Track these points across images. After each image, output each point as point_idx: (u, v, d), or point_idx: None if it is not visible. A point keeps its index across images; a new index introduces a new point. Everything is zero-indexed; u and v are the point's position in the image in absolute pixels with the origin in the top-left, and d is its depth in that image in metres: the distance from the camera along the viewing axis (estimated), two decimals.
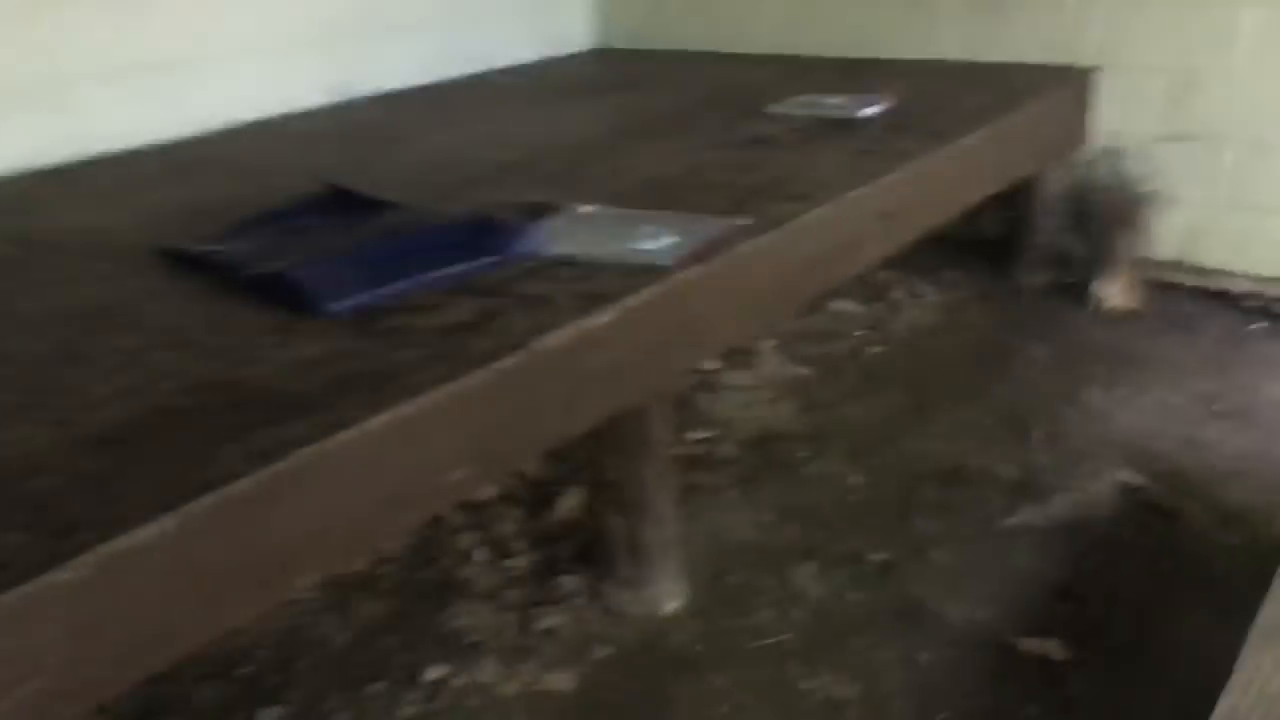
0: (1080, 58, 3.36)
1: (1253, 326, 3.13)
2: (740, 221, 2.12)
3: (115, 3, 2.93)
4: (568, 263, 1.98)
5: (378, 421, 1.45)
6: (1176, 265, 3.35)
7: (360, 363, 1.61)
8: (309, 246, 2.06)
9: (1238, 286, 3.25)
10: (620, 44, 4.28)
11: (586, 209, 2.26)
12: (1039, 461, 2.50)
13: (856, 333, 3.18)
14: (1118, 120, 3.33)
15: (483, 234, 2.04)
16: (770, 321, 2.78)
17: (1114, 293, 3.27)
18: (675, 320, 1.93)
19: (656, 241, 2.05)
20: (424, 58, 3.72)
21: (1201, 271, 3.32)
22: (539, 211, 2.23)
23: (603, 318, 1.78)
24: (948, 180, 2.71)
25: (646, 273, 1.92)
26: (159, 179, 2.72)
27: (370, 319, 1.76)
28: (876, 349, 3.10)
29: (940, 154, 2.63)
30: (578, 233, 2.12)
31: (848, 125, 2.89)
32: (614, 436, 2.03)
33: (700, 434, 2.67)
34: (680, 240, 2.04)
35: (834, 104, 3.03)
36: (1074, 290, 3.33)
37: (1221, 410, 2.70)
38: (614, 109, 3.30)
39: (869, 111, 2.95)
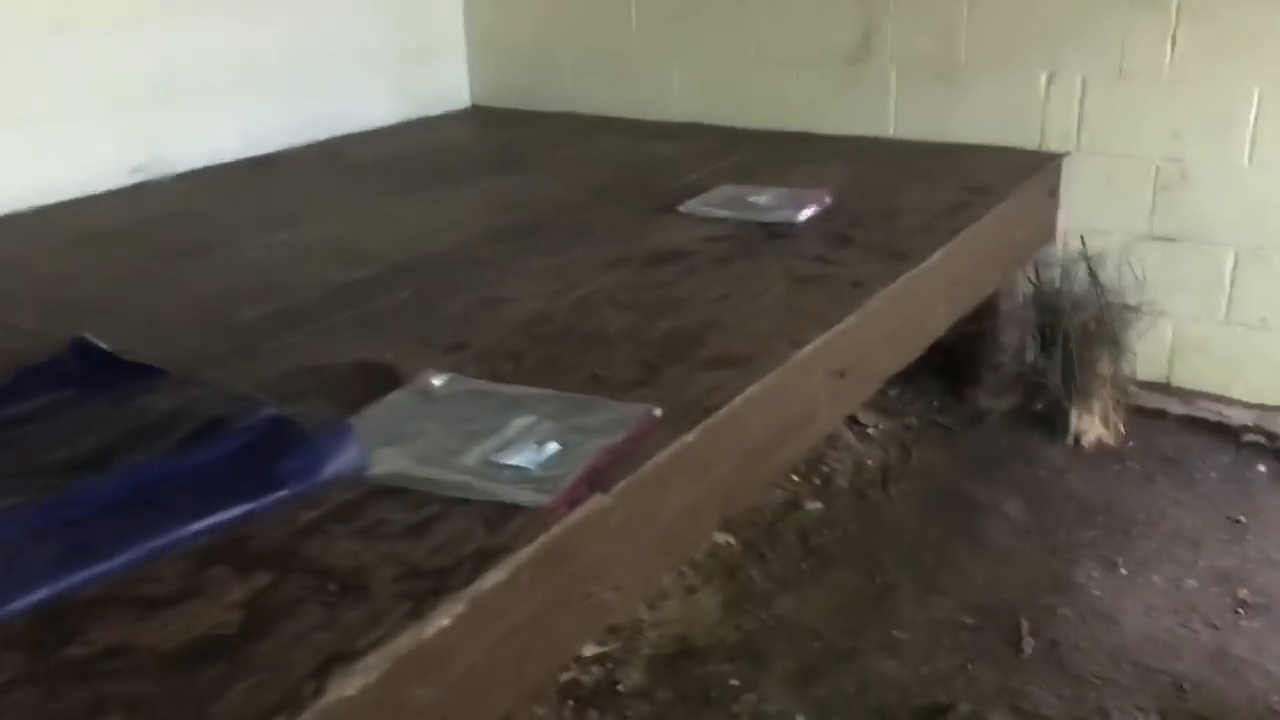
0: (1050, 141, 2.82)
1: (1260, 468, 2.62)
2: (653, 412, 1.49)
3: None
4: (402, 489, 1.33)
5: None
6: (1163, 389, 2.83)
7: None
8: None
9: (1235, 417, 2.73)
10: (502, 102, 3.63)
11: (438, 381, 1.60)
12: (1038, 695, 1.92)
13: (790, 482, 2.57)
14: (1094, 217, 2.80)
15: (268, 448, 1.37)
16: (688, 554, 2.14)
17: (1092, 423, 2.73)
18: (554, 594, 1.29)
19: (532, 453, 1.40)
20: (258, 122, 3.03)
21: (1192, 397, 2.79)
22: (377, 381, 1.59)
23: (441, 620, 1.13)
24: (912, 314, 2.13)
25: (514, 511, 1.28)
26: None
27: (55, 628, 1.09)
28: (816, 507, 2.50)
29: (903, 282, 2.04)
30: (420, 434, 1.46)
31: (781, 233, 2.28)
32: None
33: (595, 649, 2.03)
34: (563, 450, 1.40)
35: (763, 203, 2.42)
36: (1045, 419, 2.78)
37: (1249, 600, 2.16)
38: (488, 199, 2.65)
39: (806, 214, 2.35)
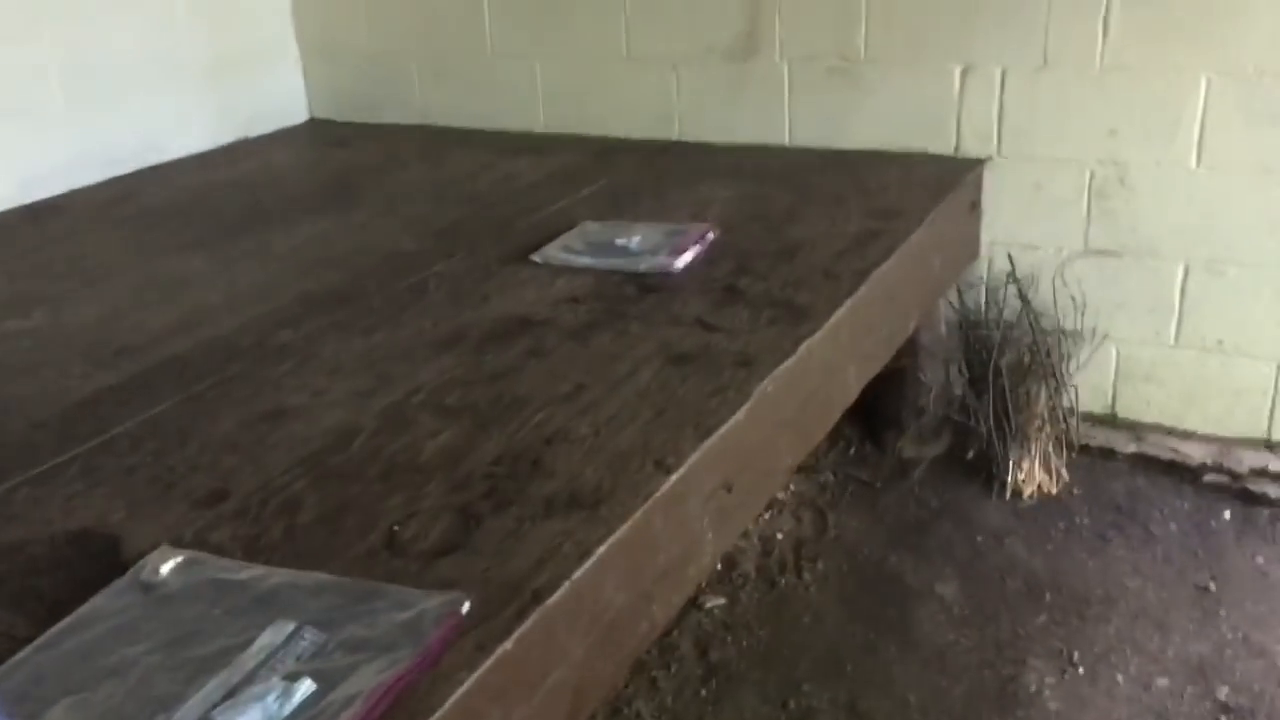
0: (967, 144, 2.44)
1: (1225, 514, 2.28)
2: (459, 610, 1.07)
3: None
4: None
5: None
6: (1109, 423, 2.47)
7: None
8: None
9: (1193, 453, 2.38)
10: (345, 115, 3.15)
11: (167, 567, 1.15)
12: None
13: None
14: (1022, 231, 2.42)
15: None
16: None
17: (1031, 471, 2.36)
18: None
19: (273, 702, 0.97)
20: (36, 161, 2.52)
21: (1143, 431, 2.44)
22: (90, 566, 1.14)
23: None
24: (815, 389, 1.72)
25: None
26: None
27: None
28: (716, 603, 2.10)
29: (802, 352, 1.63)
30: (118, 672, 1.02)
31: (654, 287, 1.86)
32: None
33: None
34: (318, 694, 0.97)
35: (633, 246, 1.99)
36: (977, 467, 2.42)
37: (1231, 703, 1.81)
38: (304, 251, 2.17)
39: (685, 260, 1.93)
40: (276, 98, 3.13)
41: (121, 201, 2.53)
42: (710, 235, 2.03)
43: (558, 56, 2.81)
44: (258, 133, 3.06)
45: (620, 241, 2.02)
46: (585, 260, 1.97)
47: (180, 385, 1.59)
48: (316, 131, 3.14)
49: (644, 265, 1.93)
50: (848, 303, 1.78)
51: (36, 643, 1.05)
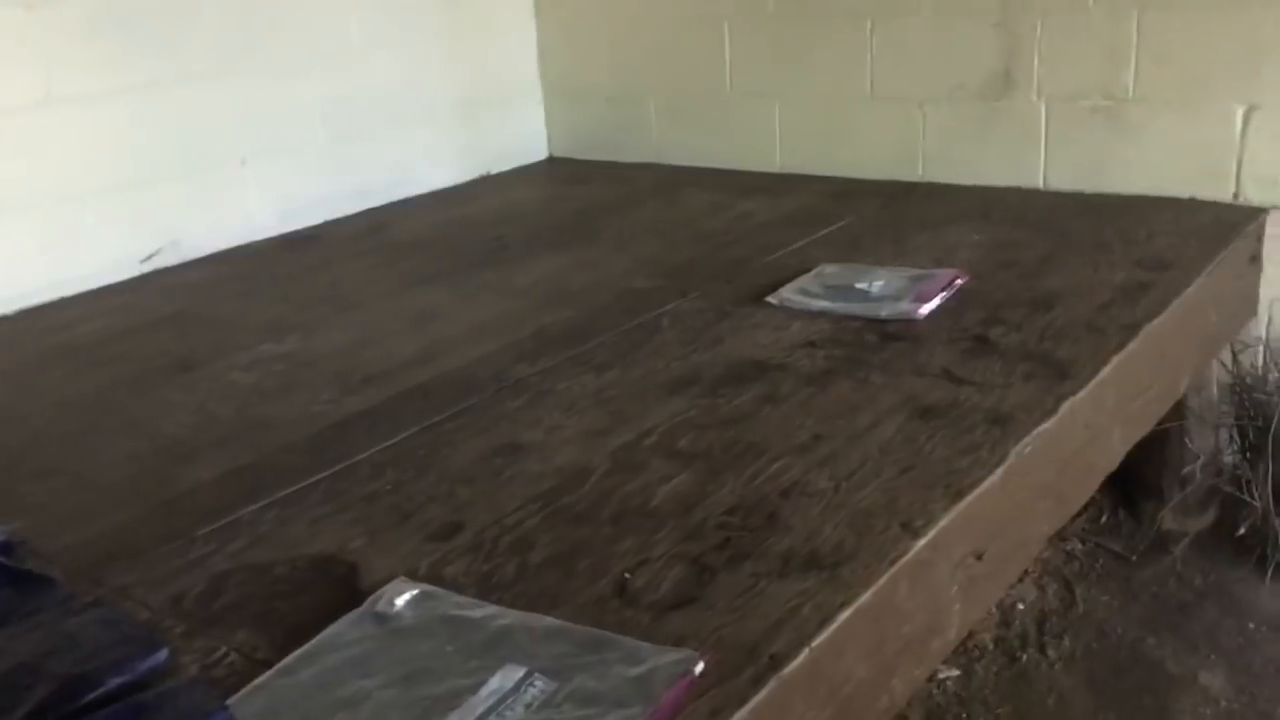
0: (1248, 191, 2.23)
1: None
2: (692, 670, 1.01)
3: None
4: None
5: None
6: None
7: None
8: None
9: None
10: (583, 153, 3.19)
11: (402, 600, 1.15)
12: None
13: None
14: None
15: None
16: None
17: None
18: None
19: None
20: (296, 194, 2.66)
21: None
22: (329, 594, 1.16)
23: None
24: (1076, 452, 1.58)
25: None
26: None
27: None
28: (950, 674, 1.96)
29: (1064, 412, 1.50)
30: (350, 705, 1.02)
31: (897, 334, 1.77)
32: None
33: None
34: None
35: (875, 291, 1.91)
36: (1249, 545, 2.18)
37: None
38: (543, 285, 2.18)
39: (930, 307, 1.83)
40: (519, 136, 3.21)
41: (373, 233, 2.63)
42: (959, 281, 1.92)
43: (798, 95, 2.75)
44: (500, 169, 3.15)
45: (860, 285, 1.93)
46: (823, 304, 1.90)
47: (421, 414, 1.61)
48: (555, 169, 3.20)
49: (886, 311, 1.84)
50: (1115, 359, 1.64)
51: (276, 668, 1.06)
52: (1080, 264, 2.02)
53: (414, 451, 1.50)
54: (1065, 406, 1.50)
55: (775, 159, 2.83)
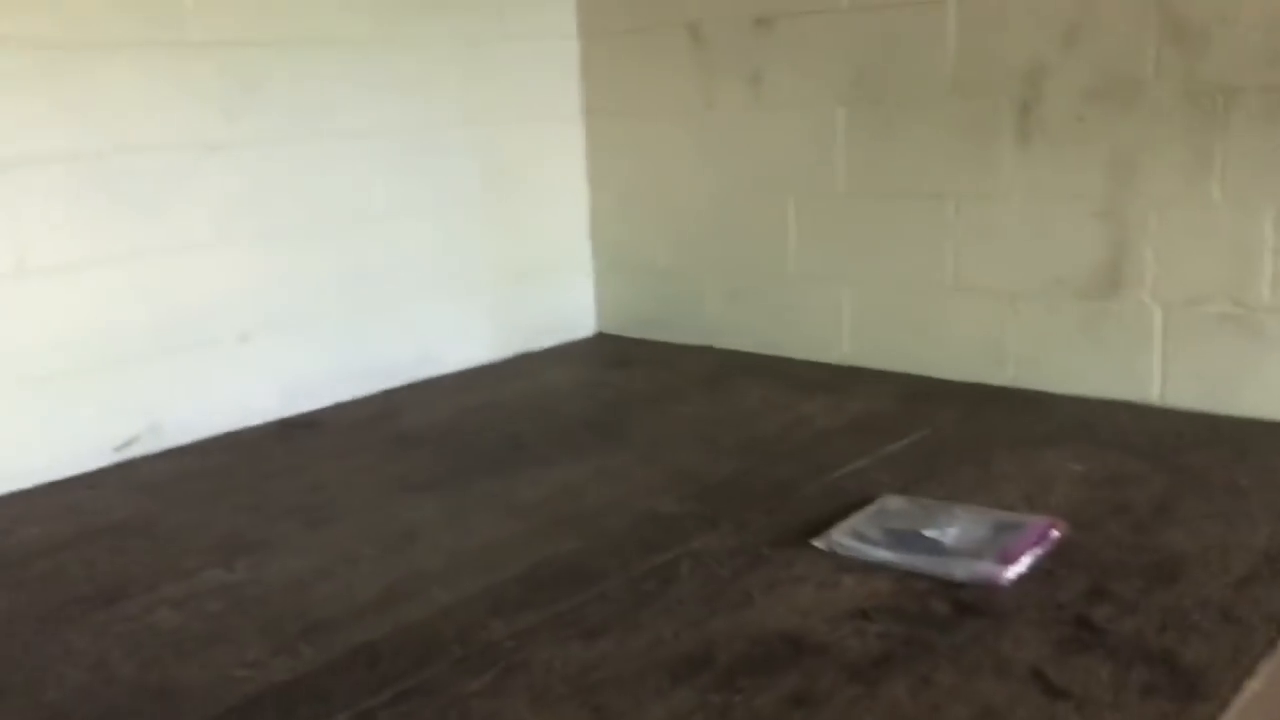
0: None
1: None
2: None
3: None
4: None
5: None
6: None
7: None
8: None
9: None
10: (634, 330, 2.91)
11: None
12: None
13: None
14: None
15: None
16: None
17: None
18: None
19: None
20: (297, 373, 2.40)
21: None
22: None
23: None
24: None
25: None
26: None
27: None
28: None
29: None
30: None
31: (974, 605, 1.39)
32: None
33: None
34: None
35: (946, 539, 1.53)
36: None
37: None
38: (547, 504, 1.84)
39: (1019, 569, 1.45)
40: (565, 312, 2.95)
41: (381, 421, 2.34)
42: (1054, 533, 1.54)
43: (870, 282, 2.43)
44: (542, 345, 2.87)
45: (930, 533, 1.56)
46: (882, 554, 1.53)
47: (356, 693, 1.27)
48: (601, 347, 2.91)
49: (961, 571, 1.46)
50: (1263, 668, 1.23)
51: None
52: (1208, 514, 1.62)
53: None
54: None
55: (841, 350, 2.50)
